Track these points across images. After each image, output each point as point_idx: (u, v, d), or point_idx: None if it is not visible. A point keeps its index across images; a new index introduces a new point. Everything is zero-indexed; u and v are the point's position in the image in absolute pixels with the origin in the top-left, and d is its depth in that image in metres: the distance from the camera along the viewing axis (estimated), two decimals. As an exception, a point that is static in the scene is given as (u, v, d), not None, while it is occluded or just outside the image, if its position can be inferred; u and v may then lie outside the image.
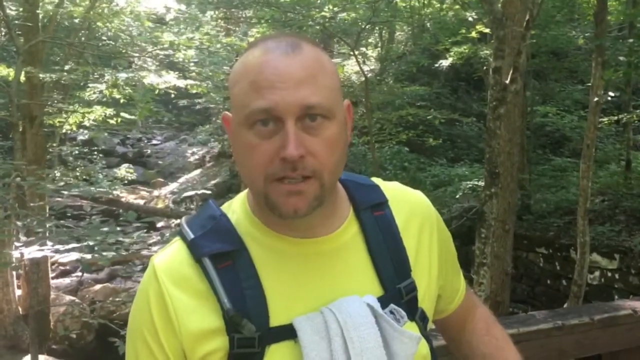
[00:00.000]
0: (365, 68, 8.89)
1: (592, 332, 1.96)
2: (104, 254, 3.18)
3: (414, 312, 0.93)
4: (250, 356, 0.84)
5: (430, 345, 0.97)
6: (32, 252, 3.23)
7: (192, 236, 0.89)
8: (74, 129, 8.38)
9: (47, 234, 4.19)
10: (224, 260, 0.86)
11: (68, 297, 8.29)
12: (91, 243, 3.16)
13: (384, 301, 0.89)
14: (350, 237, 0.93)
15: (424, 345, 0.93)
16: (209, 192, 11.10)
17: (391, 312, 0.89)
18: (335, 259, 0.91)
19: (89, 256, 3.12)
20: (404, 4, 11.26)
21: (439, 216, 1.05)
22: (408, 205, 1.00)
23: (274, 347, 0.84)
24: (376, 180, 1.03)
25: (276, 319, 0.85)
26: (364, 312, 0.86)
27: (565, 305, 6.21)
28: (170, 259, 0.90)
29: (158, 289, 0.87)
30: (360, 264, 0.92)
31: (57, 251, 3.19)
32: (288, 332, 0.85)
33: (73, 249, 3.18)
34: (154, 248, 10.78)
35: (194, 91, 8.28)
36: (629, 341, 2.04)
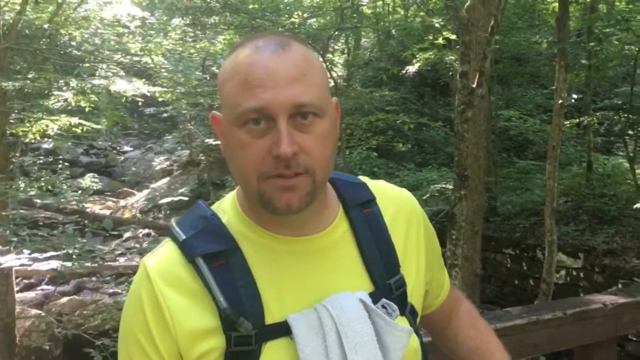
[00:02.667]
0: (333, 74, 8.95)
1: (565, 326, 2.01)
2: (81, 262, 3.10)
3: (404, 306, 0.95)
4: (247, 354, 0.84)
5: (420, 339, 0.98)
6: (9, 260, 3.13)
7: (183, 237, 0.89)
8: (38, 137, 8.18)
9: (12, 247, 4.08)
10: (217, 260, 0.87)
11: (34, 311, 8.07)
12: (70, 251, 3.09)
13: (375, 297, 0.91)
14: (340, 234, 0.94)
15: (414, 339, 0.94)
16: (185, 198, 10.96)
17: (383, 307, 0.90)
18: (326, 256, 0.92)
19: (68, 264, 3.04)
20: (369, 11, 11.40)
21: (424, 213, 1.07)
22: (395, 202, 1.02)
23: (270, 344, 0.85)
24: (363, 178, 1.04)
25: (271, 317, 0.86)
26: (357, 307, 0.87)
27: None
28: (162, 260, 0.90)
29: (151, 290, 0.87)
30: (350, 261, 0.94)
31: (35, 259, 3.10)
32: (283, 329, 0.85)
33: (51, 257, 3.09)
34: (121, 260, 10.62)
35: (161, 99, 8.19)
36: (600, 334, 2.10)
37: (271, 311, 0.86)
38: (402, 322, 0.93)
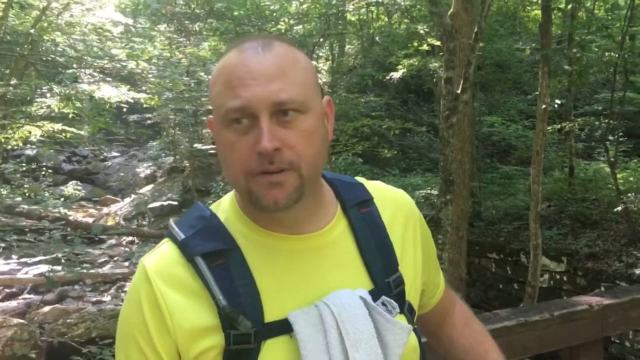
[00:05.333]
0: (318, 81, 8.96)
1: (553, 327, 2.02)
2: (70, 268, 3.06)
3: (402, 305, 0.96)
4: (246, 352, 0.84)
5: (419, 337, 1.00)
6: (-2, 266, 3.08)
7: (182, 236, 0.90)
8: (20, 144, 8.10)
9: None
10: (217, 259, 0.87)
11: (16, 320, 7.93)
12: (59, 255, 3.05)
13: (374, 295, 0.92)
14: (339, 233, 0.95)
15: (413, 336, 0.95)
16: (175, 203, 10.87)
17: (383, 304, 0.91)
18: (325, 254, 0.93)
19: (58, 268, 3.01)
20: (354, 18, 11.47)
21: (421, 214, 1.08)
22: (392, 202, 1.03)
23: (270, 343, 0.85)
24: (360, 179, 1.06)
25: (270, 315, 0.86)
26: (358, 304, 0.88)
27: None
28: (161, 260, 0.90)
29: (150, 289, 0.87)
30: (349, 259, 0.95)
31: (24, 264, 3.06)
32: (283, 327, 0.86)
33: (40, 262, 3.05)
34: (106, 267, 10.51)
35: (146, 105, 8.15)
36: (587, 335, 2.12)
37: (270, 309, 0.86)
38: (402, 320, 0.93)
